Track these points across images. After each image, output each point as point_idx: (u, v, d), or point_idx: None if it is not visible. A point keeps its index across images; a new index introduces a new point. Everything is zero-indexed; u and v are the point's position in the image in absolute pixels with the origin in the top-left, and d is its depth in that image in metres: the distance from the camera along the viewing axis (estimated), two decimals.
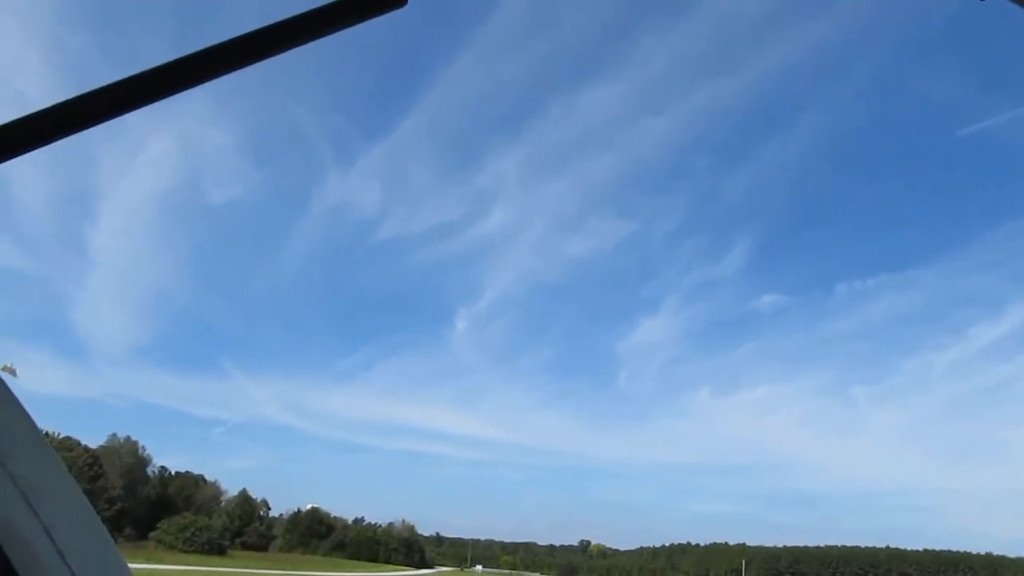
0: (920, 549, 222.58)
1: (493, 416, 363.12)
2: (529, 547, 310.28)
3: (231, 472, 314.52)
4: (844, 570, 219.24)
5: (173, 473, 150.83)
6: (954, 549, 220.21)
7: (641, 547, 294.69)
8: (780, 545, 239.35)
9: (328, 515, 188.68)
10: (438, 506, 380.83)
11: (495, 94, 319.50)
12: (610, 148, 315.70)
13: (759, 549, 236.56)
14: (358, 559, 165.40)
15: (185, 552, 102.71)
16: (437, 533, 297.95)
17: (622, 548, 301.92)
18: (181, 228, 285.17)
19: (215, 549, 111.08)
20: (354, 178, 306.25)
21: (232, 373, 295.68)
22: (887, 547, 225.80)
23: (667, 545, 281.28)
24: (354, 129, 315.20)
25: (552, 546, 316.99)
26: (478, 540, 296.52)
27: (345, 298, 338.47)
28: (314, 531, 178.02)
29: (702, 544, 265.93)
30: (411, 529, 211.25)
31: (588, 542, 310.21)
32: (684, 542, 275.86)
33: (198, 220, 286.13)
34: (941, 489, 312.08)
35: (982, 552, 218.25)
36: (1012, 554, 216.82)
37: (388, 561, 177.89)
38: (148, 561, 74.28)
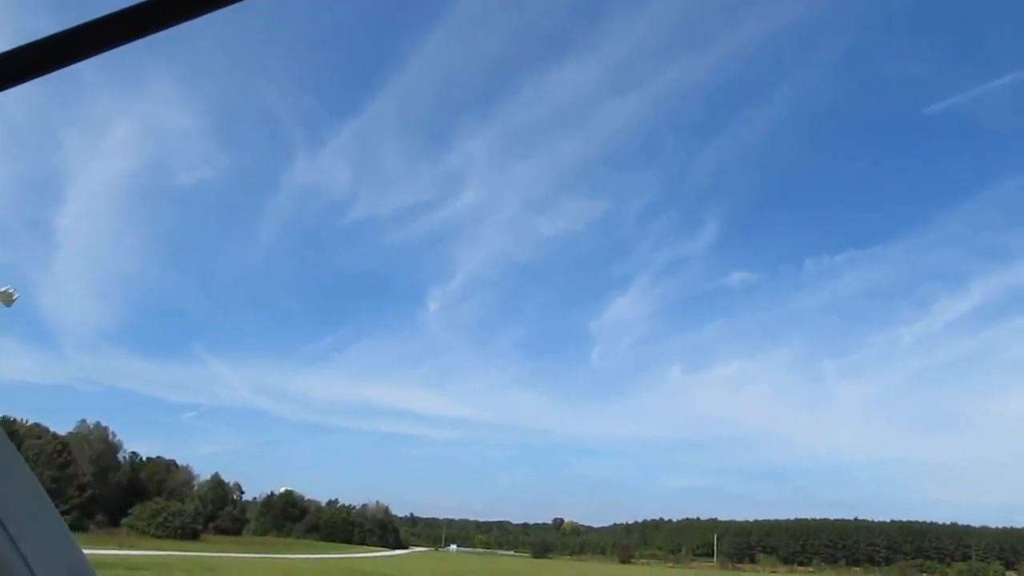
0: (888, 520, 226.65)
1: (467, 396, 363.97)
2: (503, 526, 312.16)
3: (204, 457, 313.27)
4: (813, 542, 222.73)
5: (144, 459, 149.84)
6: (921, 519, 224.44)
7: (614, 523, 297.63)
8: (751, 519, 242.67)
9: (302, 498, 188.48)
10: (412, 487, 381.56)
11: (466, 74, 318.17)
12: (581, 127, 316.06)
13: (730, 523, 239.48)
14: (333, 541, 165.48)
15: (158, 538, 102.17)
16: (411, 514, 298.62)
17: (595, 525, 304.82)
18: (149, 211, 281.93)
19: (188, 534, 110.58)
20: (324, 159, 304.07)
21: (203, 357, 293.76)
22: (855, 519, 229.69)
23: (640, 521, 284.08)
24: (324, 110, 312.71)
25: (526, 524, 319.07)
26: (452, 520, 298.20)
27: (317, 280, 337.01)
28: (288, 514, 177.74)
29: (674, 520, 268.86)
30: (385, 510, 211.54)
31: (561, 520, 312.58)
32: (657, 518, 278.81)
33: (166, 203, 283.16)
34: (908, 461, 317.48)
35: (948, 522, 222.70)
36: (977, 523, 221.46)
37: (363, 542, 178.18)
38: (121, 548, 73.82)
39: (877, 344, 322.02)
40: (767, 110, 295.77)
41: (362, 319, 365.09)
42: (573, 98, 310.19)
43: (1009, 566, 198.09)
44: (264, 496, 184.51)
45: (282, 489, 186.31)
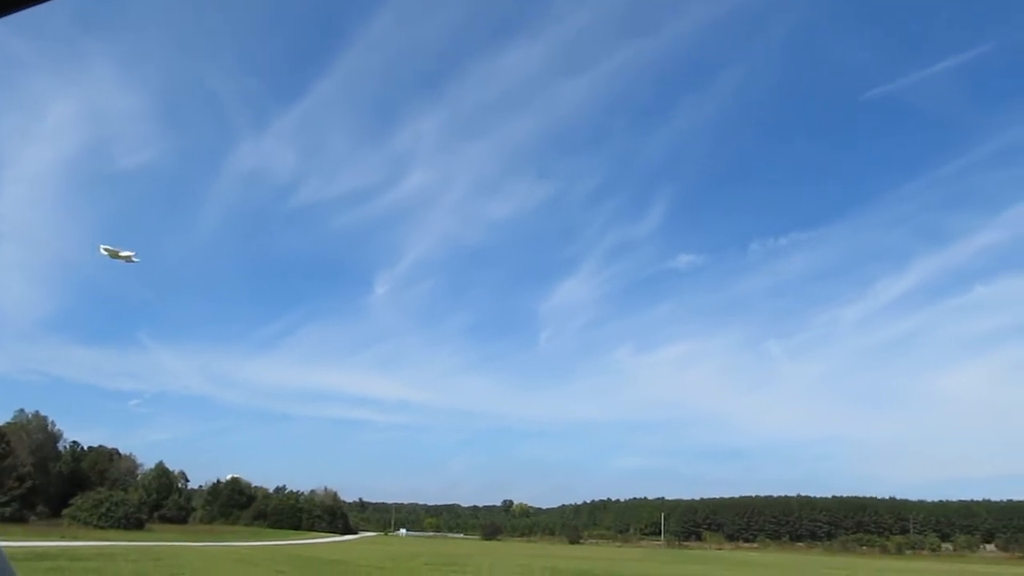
0: (829, 496, 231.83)
1: (417, 380, 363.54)
2: (453, 509, 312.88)
3: (149, 445, 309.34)
4: (758, 519, 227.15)
5: (86, 448, 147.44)
6: (861, 495, 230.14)
7: (563, 505, 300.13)
8: (698, 498, 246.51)
9: (249, 485, 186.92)
10: (362, 472, 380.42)
11: (413, 55, 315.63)
12: (530, 109, 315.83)
13: (678, 502, 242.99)
14: (281, 528, 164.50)
15: (101, 528, 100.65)
16: (360, 499, 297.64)
17: (544, 507, 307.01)
18: (89, 195, 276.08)
19: (132, 524, 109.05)
20: (269, 142, 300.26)
21: (147, 344, 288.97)
22: (799, 495, 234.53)
23: (588, 502, 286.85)
24: (268, 91, 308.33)
25: (476, 507, 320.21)
26: (402, 504, 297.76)
27: (264, 265, 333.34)
28: (235, 502, 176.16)
29: (622, 500, 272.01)
30: (334, 496, 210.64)
31: (511, 502, 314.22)
32: (605, 498, 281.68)
33: (106, 186, 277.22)
34: (849, 438, 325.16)
35: (887, 497, 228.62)
36: (914, 497, 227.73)
37: (311, 528, 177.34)
38: (63, 539, 72.66)
39: (820, 324, 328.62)
40: (714, 93, 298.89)
41: (310, 304, 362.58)
42: (522, 80, 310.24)
43: (944, 538, 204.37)
44: (210, 484, 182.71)
45: (229, 477, 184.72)
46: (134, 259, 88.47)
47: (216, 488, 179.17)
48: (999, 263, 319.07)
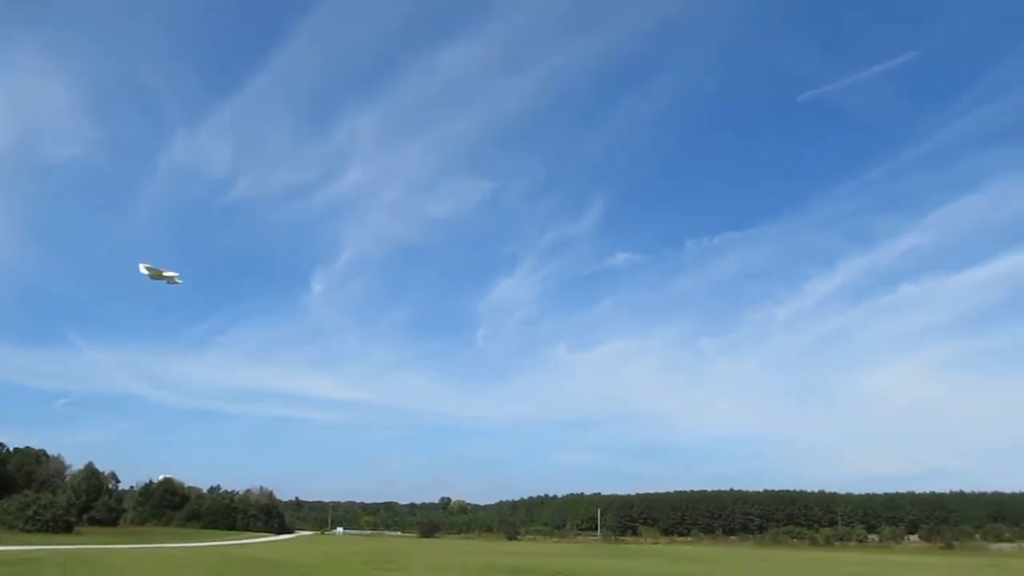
0: (761, 490, 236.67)
1: (354, 378, 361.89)
2: (391, 507, 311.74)
3: (78, 446, 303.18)
4: (692, 513, 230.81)
5: (11, 449, 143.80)
6: (791, 489, 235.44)
7: (501, 501, 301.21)
8: (633, 493, 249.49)
9: (182, 485, 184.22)
10: (298, 470, 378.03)
11: (352, 50, 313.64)
12: (469, 107, 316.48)
13: (614, 498, 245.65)
14: (215, 528, 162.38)
15: (28, 532, 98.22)
16: (297, 498, 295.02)
17: (482, 503, 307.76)
18: (12, 188, 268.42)
19: (61, 527, 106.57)
20: (204, 136, 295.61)
21: (76, 342, 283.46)
22: (731, 490, 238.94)
23: (526, 498, 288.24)
24: (203, 85, 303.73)
25: (413, 504, 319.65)
26: (339, 503, 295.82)
27: (197, 261, 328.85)
28: (167, 502, 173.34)
29: (559, 496, 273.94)
30: (270, 495, 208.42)
31: (449, 499, 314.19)
32: (542, 494, 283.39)
33: (32, 179, 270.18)
34: (780, 433, 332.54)
35: (816, 490, 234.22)
36: (842, 491, 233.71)
37: (246, 528, 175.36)
38: None
39: (753, 323, 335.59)
40: (652, 95, 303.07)
41: (245, 301, 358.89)
42: (461, 78, 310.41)
43: (871, 529, 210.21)
44: (142, 485, 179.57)
45: (161, 477, 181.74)
46: (177, 280, 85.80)
47: (148, 489, 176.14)
48: (925, 264, 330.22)
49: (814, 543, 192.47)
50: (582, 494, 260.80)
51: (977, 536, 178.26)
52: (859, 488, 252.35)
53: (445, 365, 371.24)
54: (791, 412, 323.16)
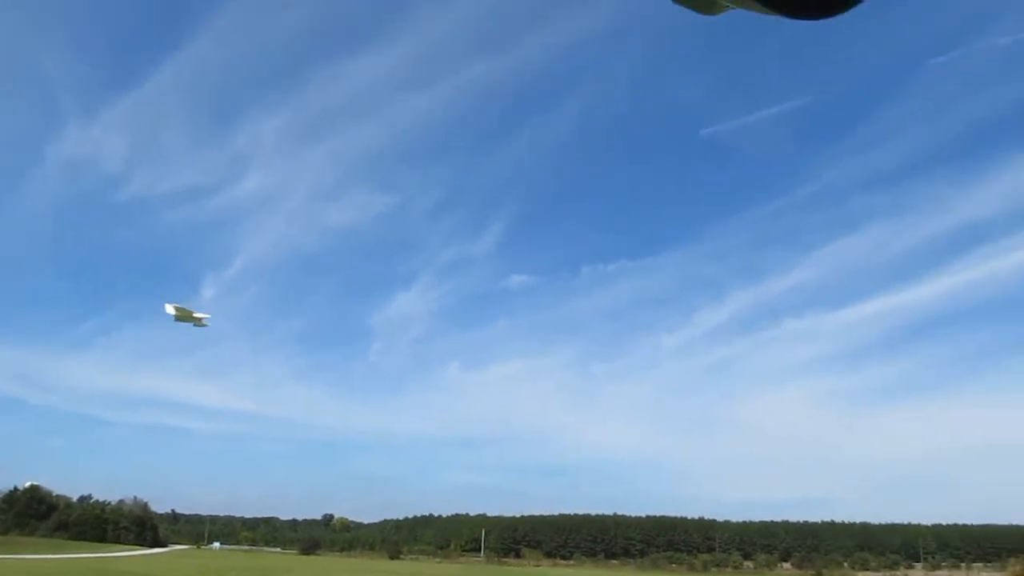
0: (643, 515, 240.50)
1: (241, 387, 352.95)
2: (271, 522, 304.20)
3: None
4: (575, 537, 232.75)
5: None
6: (672, 514, 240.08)
7: (385, 519, 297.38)
8: (519, 515, 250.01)
9: (50, 493, 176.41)
10: (177, 482, 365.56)
11: (260, 54, 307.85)
12: (375, 119, 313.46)
13: (499, 519, 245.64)
14: (84, 540, 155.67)
15: None
16: (173, 510, 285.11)
17: (366, 521, 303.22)
18: None
19: None
20: (98, 129, 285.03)
21: None
22: (615, 514, 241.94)
23: (411, 517, 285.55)
24: (98, 77, 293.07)
25: (295, 520, 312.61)
26: (217, 516, 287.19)
27: (81, 258, 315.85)
28: (33, 511, 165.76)
29: (445, 515, 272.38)
30: (144, 506, 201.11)
31: (332, 516, 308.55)
32: (428, 514, 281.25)
33: None
34: (664, 459, 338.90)
35: (695, 516, 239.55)
36: (720, 517, 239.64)
37: (117, 541, 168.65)
38: None
39: (643, 349, 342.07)
40: (557, 120, 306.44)
41: (129, 302, 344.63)
42: (368, 88, 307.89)
43: (747, 556, 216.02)
44: (6, 492, 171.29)
45: (28, 484, 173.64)
46: (205, 322, 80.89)
47: (12, 496, 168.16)
48: (807, 300, 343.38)
49: (692, 568, 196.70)
50: (467, 515, 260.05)
51: (845, 565, 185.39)
52: (737, 515, 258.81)
53: (336, 379, 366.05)
54: (675, 438, 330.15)
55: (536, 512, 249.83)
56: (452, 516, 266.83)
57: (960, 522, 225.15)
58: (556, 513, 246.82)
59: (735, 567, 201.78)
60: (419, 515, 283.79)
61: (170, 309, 79.43)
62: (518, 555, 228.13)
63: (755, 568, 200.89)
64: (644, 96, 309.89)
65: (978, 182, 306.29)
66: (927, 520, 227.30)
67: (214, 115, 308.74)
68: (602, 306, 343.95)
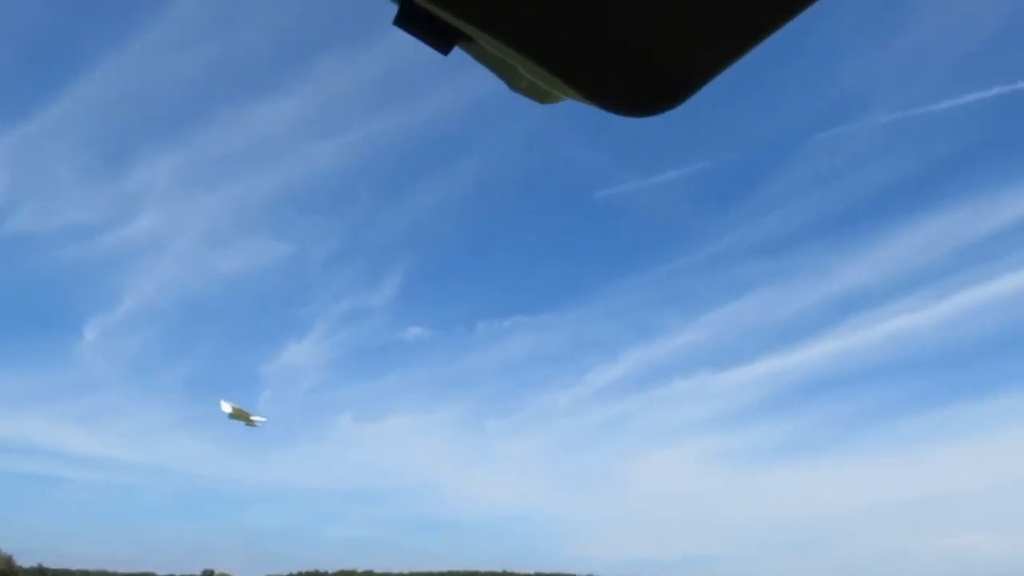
0: (533, 572, 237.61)
1: (121, 435, 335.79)
2: None
3: None
4: None
5: None
6: (561, 571, 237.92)
7: (268, 575, 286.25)
8: (407, 571, 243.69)
9: None
10: (46, 533, 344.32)
11: (161, 93, 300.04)
12: (276, 166, 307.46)
13: (386, 575, 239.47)
14: None
15: None
16: (40, 564, 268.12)
17: None
18: None
19: None
20: None
21: None
22: (504, 571, 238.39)
23: (295, 573, 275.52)
24: None
25: (172, 575, 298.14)
26: (88, 571, 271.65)
27: None
28: None
29: (331, 571, 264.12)
30: (7, 560, 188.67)
31: (212, 571, 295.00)
32: (313, 569, 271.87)
33: None
34: (555, 516, 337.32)
35: (586, 574, 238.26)
36: (609, 573, 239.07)
37: None
38: None
39: (536, 406, 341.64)
40: (458, 176, 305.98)
41: (4, 344, 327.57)
42: (271, 135, 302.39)
43: None
44: None
45: None
46: (258, 424, 76.10)
47: None
48: (697, 361, 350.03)
49: None
50: (355, 571, 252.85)
51: None
52: (627, 572, 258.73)
53: (222, 428, 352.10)
54: (567, 495, 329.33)
55: (424, 568, 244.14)
56: (338, 572, 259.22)
57: None
58: (445, 570, 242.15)
59: None
60: (304, 571, 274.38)
61: (226, 407, 76.35)
62: None
63: None
64: (541, 158, 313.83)
65: (857, 252, 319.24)
66: None
67: (108, 153, 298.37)
68: (497, 361, 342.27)
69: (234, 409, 76.55)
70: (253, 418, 78.38)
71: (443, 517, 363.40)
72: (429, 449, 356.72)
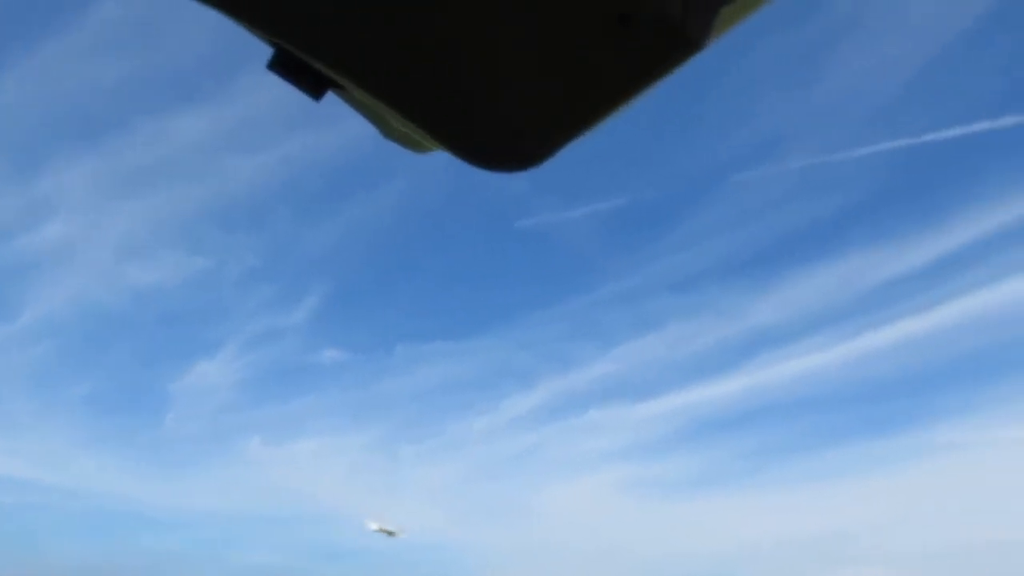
0: None
1: (17, 453, 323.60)
2: None
3: None
4: None
5: None
6: None
7: None
8: None
9: None
10: None
11: (79, 99, 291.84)
12: (196, 180, 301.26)
13: None
14: None
15: None
16: None
17: None
18: None
19: None
20: None
21: None
22: None
23: None
24: None
25: None
26: None
27: None
28: None
29: None
30: None
31: None
32: None
33: None
34: (465, 543, 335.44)
35: None
36: None
37: None
38: None
39: (451, 433, 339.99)
40: (379, 200, 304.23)
41: None
42: (192, 148, 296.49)
43: None
44: None
45: None
46: (399, 535, 73.66)
47: None
48: (611, 392, 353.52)
49: None
50: None
51: None
52: None
53: (127, 448, 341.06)
54: (476, 524, 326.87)
55: None
56: None
57: None
58: None
59: None
60: None
61: (373, 527, 75.80)
62: None
63: None
64: (462, 185, 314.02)
65: (768, 291, 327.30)
66: None
67: (19, 158, 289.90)
68: (413, 386, 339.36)
69: (380, 528, 77.45)
70: (397, 532, 78.80)
71: (353, 545, 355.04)
72: (341, 474, 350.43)
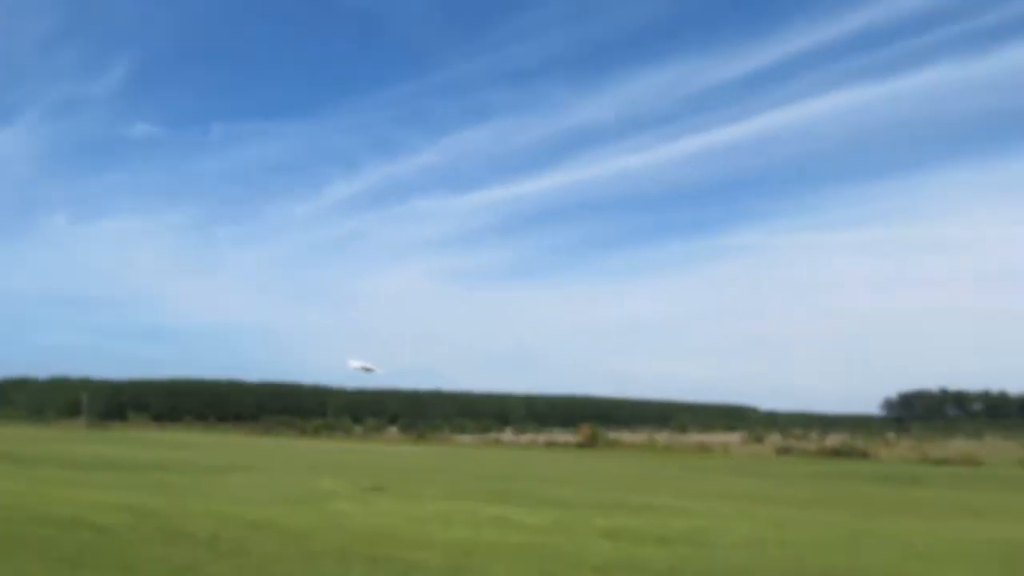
0: (259, 382, 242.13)
1: None
2: None
3: None
4: (186, 401, 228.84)
5: None
6: (290, 381, 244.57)
7: None
8: (125, 378, 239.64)
9: None
10: None
11: None
12: None
13: (103, 383, 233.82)
14: None
15: None
16: None
17: None
18: None
19: None
20: None
21: None
22: (229, 380, 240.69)
23: (2, 379, 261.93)
24: None
25: None
26: None
27: None
28: None
29: (40, 378, 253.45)
30: None
31: None
32: (21, 376, 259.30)
33: None
34: (284, 327, 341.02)
35: (312, 383, 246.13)
36: (335, 384, 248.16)
37: None
38: None
39: (272, 216, 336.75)
40: None
41: None
42: None
43: (356, 420, 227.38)
44: None
45: None
46: (376, 371, 64.03)
47: None
48: (435, 182, 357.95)
49: (304, 432, 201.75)
50: (66, 377, 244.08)
51: (446, 429, 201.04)
52: (347, 381, 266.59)
53: None
54: (298, 307, 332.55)
55: (147, 375, 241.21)
56: (50, 379, 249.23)
57: (546, 392, 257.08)
58: (165, 377, 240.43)
59: (345, 431, 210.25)
60: (11, 377, 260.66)
61: (354, 364, 69.48)
62: (123, 419, 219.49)
63: (364, 432, 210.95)
64: None
65: (600, 90, 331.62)
66: (519, 390, 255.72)
67: None
68: (231, 167, 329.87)
69: (361, 366, 73.85)
70: (373, 368, 75.81)
71: (169, 325, 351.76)
72: (155, 255, 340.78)
